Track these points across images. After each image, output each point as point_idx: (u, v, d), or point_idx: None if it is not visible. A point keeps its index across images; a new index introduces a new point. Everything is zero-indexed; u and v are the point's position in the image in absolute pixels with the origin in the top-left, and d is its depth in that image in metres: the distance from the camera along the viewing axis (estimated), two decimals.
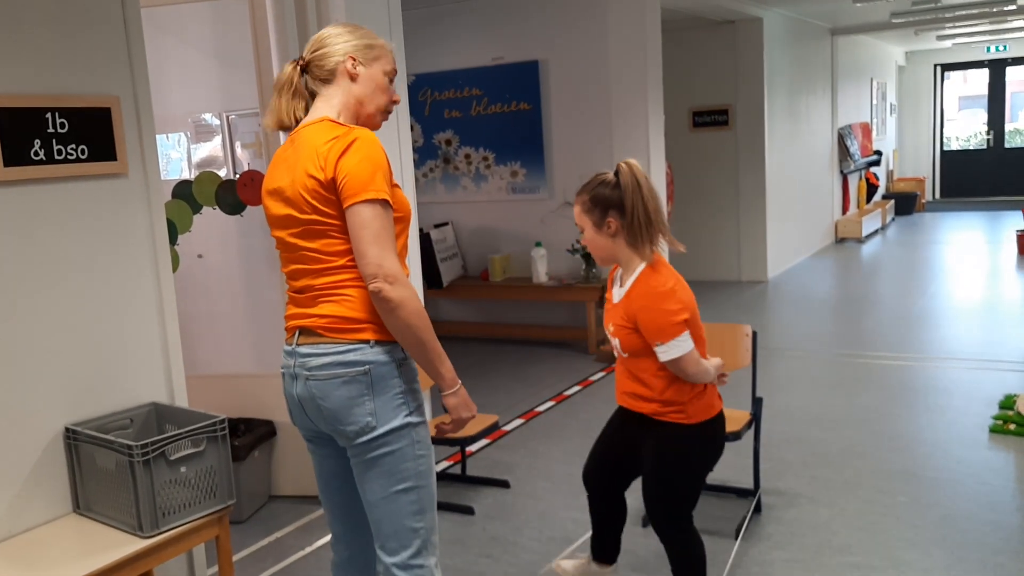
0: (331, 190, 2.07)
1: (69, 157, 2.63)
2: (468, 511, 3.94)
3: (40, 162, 2.56)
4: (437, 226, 7.35)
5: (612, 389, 3.15)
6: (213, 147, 4.21)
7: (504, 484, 4.23)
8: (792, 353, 6.41)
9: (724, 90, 9.27)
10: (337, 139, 2.08)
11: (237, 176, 4.07)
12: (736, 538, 3.51)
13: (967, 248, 10.90)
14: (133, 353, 2.87)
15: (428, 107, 7.54)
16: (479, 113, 7.33)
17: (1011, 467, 4.11)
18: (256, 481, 4.04)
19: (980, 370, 5.67)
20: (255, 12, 3.86)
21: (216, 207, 4.07)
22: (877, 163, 13.43)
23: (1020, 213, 11.13)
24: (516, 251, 7.28)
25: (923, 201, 15.19)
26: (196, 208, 4.09)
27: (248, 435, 3.94)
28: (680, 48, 9.15)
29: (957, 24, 11.16)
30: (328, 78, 2.21)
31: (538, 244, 6.94)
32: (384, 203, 2.06)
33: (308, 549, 3.67)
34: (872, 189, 13.80)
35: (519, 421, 5.22)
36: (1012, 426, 4.51)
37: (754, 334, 3.71)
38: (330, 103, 2.20)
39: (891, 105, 15.50)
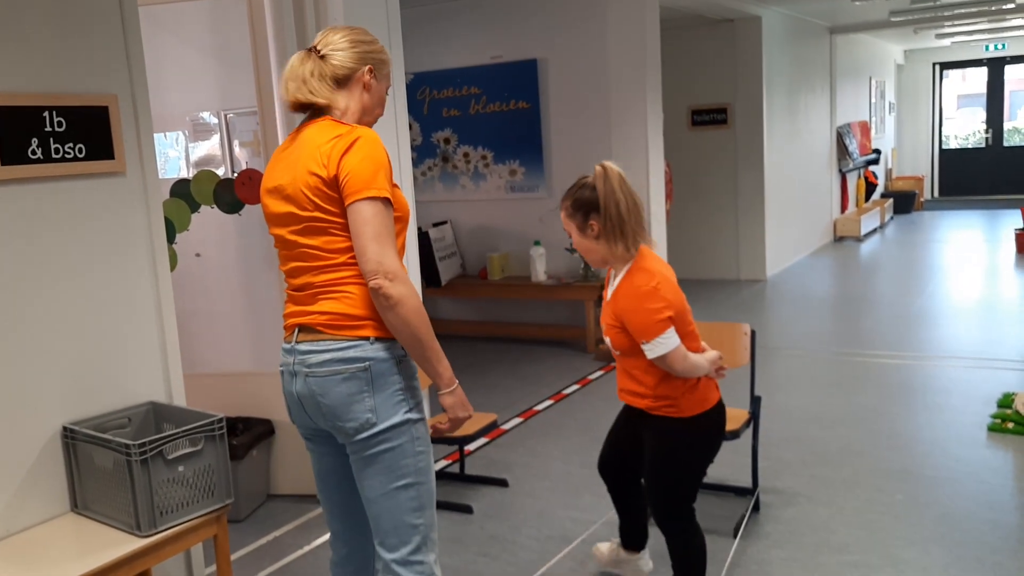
0: (333, 188, 2.09)
1: (67, 156, 2.63)
2: (466, 510, 3.94)
3: (38, 161, 2.56)
4: (436, 225, 7.35)
5: (611, 388, 3.17)
6: (211, 146, 4.20)
7: (502, 483, 4.23)
8: (791, 352, 6.41)
9: (723, 89, 9.27)
10: (340, 137, 2.11)
11: (235, 175, 4.06)
12: (735, 537, 3.51)
13: (966, 247, 10.91)
14: (131, 352, 2.87)
15: (427, 106, 7.53)
16: (478, 112, 7.32)
17: (1009, 466, 4.11)
18: (254, 480, 4.03)
19: (978, 369, 5.67)
20: (253, 11, 3.85)
21: (214, 206, 4.06)
22: (876, 162, 13.43)
23: (1019, 212, 11.13)
24: (515, 250, 7.27)
25: (922, 200, 15.20)
26: (194, 207, 4.09)
27: (246, 434, 3.94)
28: (679, 47, 9.14)
29: (956, 23, 11.16)
30: (343, 80, 2.22)
31: (537, 243, 6.93)
32: (385, 201, 2.08)
33: (306, 548, 3.67)
34: (871, 188, 13.80)
35: (517, 420, 5.22)
36: (1010, 425, 4.51)
37: (752, 333, 3.71)
38: (338, 105, 2.21)
39: (890, 104, 15.50)
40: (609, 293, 2.77)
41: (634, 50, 6.51)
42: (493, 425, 4.02)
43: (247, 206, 4.02)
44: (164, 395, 2.97)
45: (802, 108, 10.58)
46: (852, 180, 12.99)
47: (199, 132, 4.22)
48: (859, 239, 11.94)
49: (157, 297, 2.94)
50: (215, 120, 4.17)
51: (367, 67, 2.24)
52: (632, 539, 3.17)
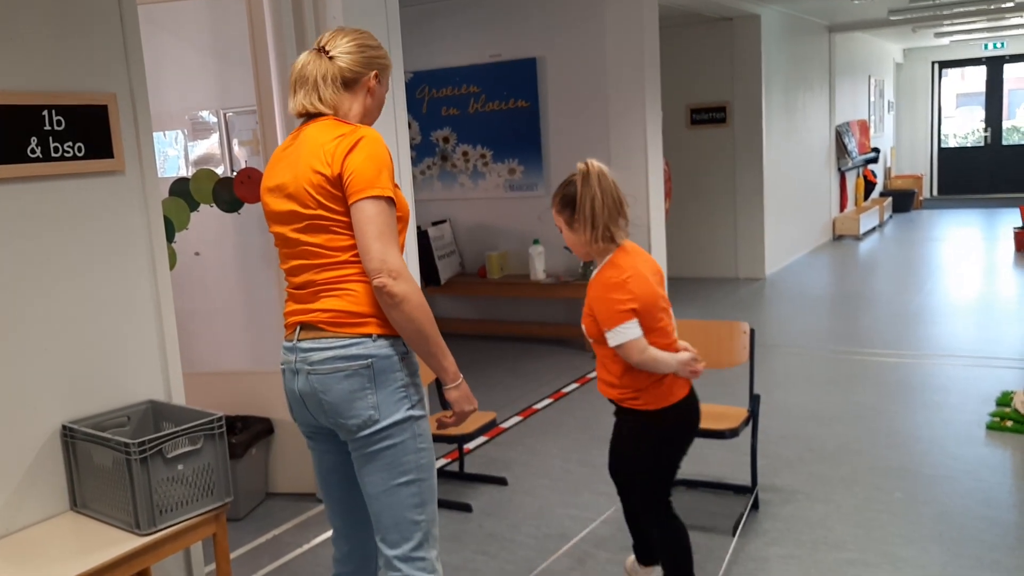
0: (337, 186, 2.11)
1: (66, 154, 2.63)
2: (465, 508, 3.94)
3: (37, 160, 2.56)
4: (435, 223, 7.35)
5: None
6: (210, 144, 4.20)
7: (501, 481, 4.23)
8: (789, 350, 6.42)
9: (722, 87, 9.27)
10: (344, 136, 2.13)
11: (234, 173, 4.07)
12: (733, 534, 3.52)
13: (964, 245, 10.92)
14: (130, 351, 2.87)
15: (426, 104, 7.53)
16: (477, 110, 7.32)
17: (1007, 464, 4.12)
18: (253, 479, 4.04)
19: (977, 367, 5.68)
20: (252, 9, 3.85)
21: (213, 205, 4.07)
22: (875, 160, 13.43)
23: (1017, 210, 11.14)
24: (514, 248, 7.28)
25: (921, 198, 15.20)
26: (193, 206, 4.09)
27: (245, 432, 3.94)
28: (678, 45, 9.14)
29: (955, 21, 11.16)
30: (350, 83, 2.24)
31: (536, 241, 6.94)
32: (389, 200, 2.11)
33: (305, 546, 3.67)
34: (870, 186, 13.81)
35: (517, 418, 5.22)
36: (1009, 423, 4.52)
37: (751, 331, 3.71)
38: (342, 107, 2.23)
39: (889, 102, 15.50)
40: None
41: (633, 48, 6.51)
42: (492, 423, 4.03)
43: (246, 205, 4.02)
44: (163, 394, 2.98)
45: (801, 107, 10.58)
46: (851, 179, 13.00)
47: (198, 131, 4.22)
48: (858, 238, 11.95)
49: (156, 296, 2.95)
50: (214, 119, 4.17)
51: (373, 72, 2.27)
52: (642, 551, 3.14)
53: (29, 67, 2.56)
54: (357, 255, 2.13)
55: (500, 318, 7.52)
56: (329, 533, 3.45)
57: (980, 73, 16.12)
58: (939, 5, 9.66)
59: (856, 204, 13.20)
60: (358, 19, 3.74)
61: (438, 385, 2.31)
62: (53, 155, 2.60)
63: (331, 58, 2.23)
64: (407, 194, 3.92)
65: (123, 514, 2.50)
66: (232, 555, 3.54)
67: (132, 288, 2.87)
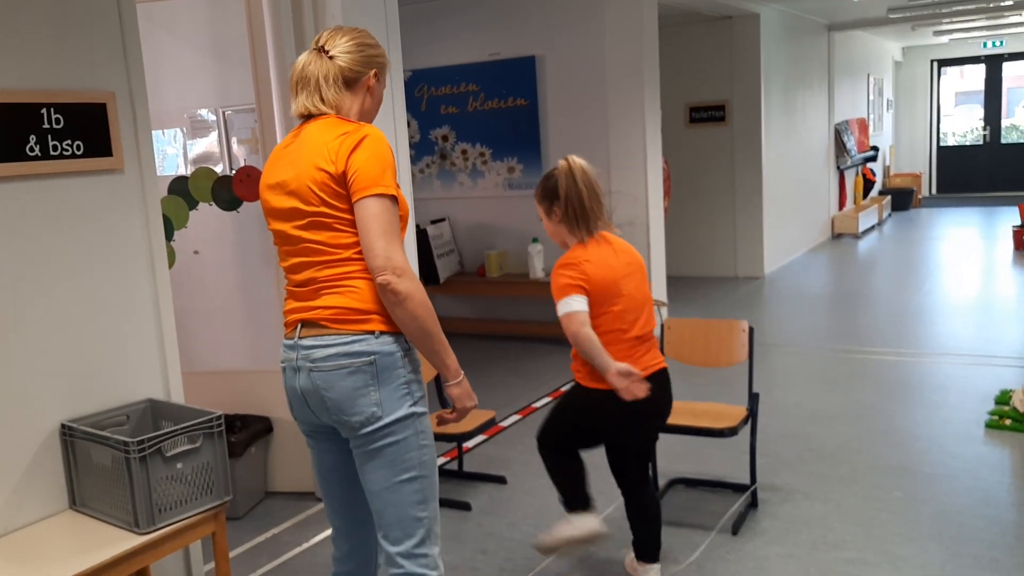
0: (341, 183, 2.12)
1: (64, 153, 2.63)
2: (465, 507, 3.95)
3: (35, 158, 2.55)
4: (434, 222, 7.35)
5: None
6: (209, 143, 4.20)
7: (500, 480, 4.23)
8: (788, 349, 6.42)
9: (721, 86, 9.27)
10: (348, 134, 2.14)
11: (233, 172, 4.06)
12: (733, 533, 3.52)
13: (963, 244, 10.92)
14: (129, 349, 2.87)
15: (424, 103, 7.53)
16: (476, 109, 7.32)
17: (1006, 462, 4.12)
18: (252, 477, 4.04)
19: (976, 366, 5.68)
20: (251, 7, 3.85)
21: (212, 203, 4.06)
22: (874, 159, 13.44)
23: (1016, 208, 11.13)
24: (513, 247, 7.28)
25: (919, 197, 15.21)
26: (192, 204, 4.09)
27: (244, 431, 3.94)
28: (677, 44, 9.14)
29: (954, 20, 11.16)
30: (351, 82, 2.25)
31: (535, 240, 6.94)
32: (392, 199, 2.12)
33: (304, 545, 3.67)
34: (868, 185, 13.81)
35: (516, 417, 5.22)
36: (1008, 421, 4.52)
37: (751, 330, 3.72)
38: (343, 106, 2.24)
39: (888, 101, 15.50)
40: None
41: (632, 47, 6.51)
42: (491, 422, 4.03)
43: (245, 203, 4.01)
44: (162, 392, 2.98)
45: (800, 105, 10.58)
46: (850, 177, 13.00)
47: (197, 129, 4.22)
48: (857, 236, 11.95)
49: (155, 295, 2.94)
50: (213, 117, 4.16)
51: (372, 71, 2.28)
52: (641, 548, 3.15)
53: (28, 65, 2.56)
54: (359, 252, 2.14)
55: (499, 317, 7.52)
56: (328, 532, 3.45)
57: (979, 71, 16.13)
58: (938, 3, 9.67)
59: (855, 202, 13.20)
60: (357, 17, 3.74)
61: (437, 383, 2.31)
62: (52, 153, 2.59)
63: (331, 58, 2.23)
64: (406, 192, 3.92)
65: (122, 513, 2.50)
66: (231, 554, 3.54)
67: (131, 287, 2.87)
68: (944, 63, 16.37)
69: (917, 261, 10.00)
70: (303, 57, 2.26)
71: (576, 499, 3.07)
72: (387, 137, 2.22)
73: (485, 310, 7.59)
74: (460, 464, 4.35)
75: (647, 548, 3.13)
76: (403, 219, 2.23)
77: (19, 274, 2.56)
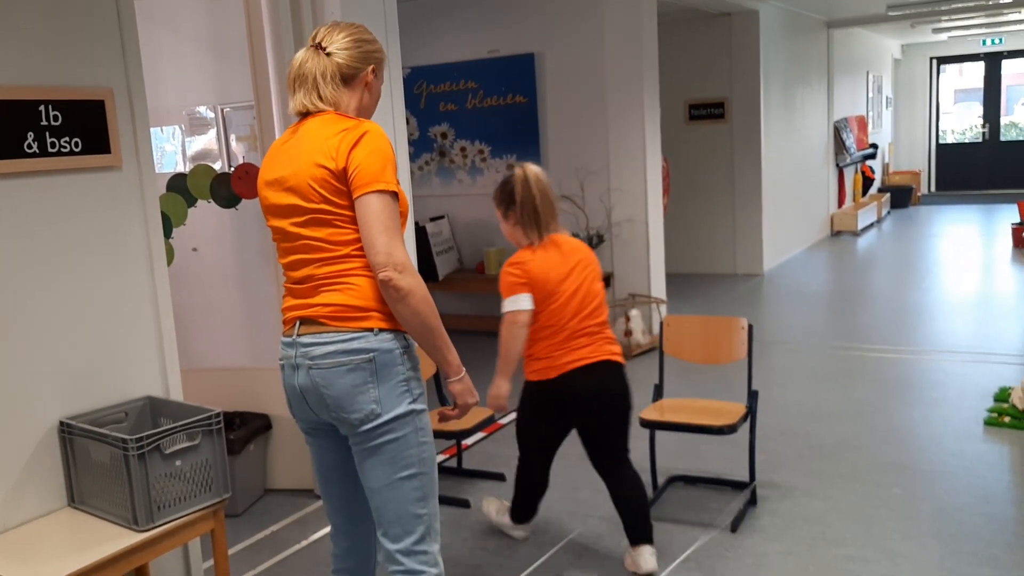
0: (342, 180, 2.11)
1: (63, 150, 2.62)
2: (464, 504, 3.94)
3: (33, 155, 2.55)
4: (433, 219, 7.34)
5: None
6: (208, 140, 4.20)
7: (499, 477, 4.23)
8: (787, 346, 6.42)
9: (720, 83, 9.27)
10: (348, 131, 2.13)
11: (232, 169, 4.06)
12: (732, 530, 3.52)
13: (962, 241, 10.92)
14: (128, 347, 2.86)
15: (424, 100, 7.52)
16: (475, 106, 7.31)
17: (1005, 460, 4.12)
18: (251, 475, 4.04)
19: (975, 363, 5.68)
20: (250, 5, 3.84)
21: (211, 200, 4.06)
22: (873, 156, 13.43)
23: (1015, 206, 11.14)
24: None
25: (919, 194, 15.21)
26: (191, 201, 4.08)
27: (243, 429, 3.94)
28: (676, 41, 9.13)
29: (953, 17, 11.16)
30: (349, 79, 2.25)
31: None
32: (393, 195, 2.12)
33: (303, 543, 3.67)
34: (868, 182, 13.81)
35: (514, 415, 5.21)
36: (1007, 419, 4.53)
37: (750, 327, 3.71)
38: (341, 103, 2.23)
39: (887, 98, 15.50)
40: None
41: (631, 44, 6.50)
42: (490, 420, 4.03)
43: (244, 200, 4.01)
44: (161, 390, 2.97)
45: (799, 103, 10.57)
46: (849, 175, 13.00)
47: (195, 126, 4.21)
48: (856, 233, 11.96)
49: (154, 292, 2.94)
50: (211, 114, 4.16)
51: (370, 67, 2.28)
52: (627, 533, 3.24)
53: (26, 62, 2.55)
54: (359, 249, 2.13)
55: (498, 314, 7.48)
56: (327, 529, 3.45)
57: (978, 69, 16.13)
58: (937, 0, 9.66)
59: (854, 200, 13.20)
60: (356, 14, 3.73)
61: (437, 380, 2.31)
62: (50, 150, 2.59)
63: (328, 54, 2.22)
64: (405, 190, 3.91)
65: (121, 510, 2.50)
66: (230, 551, 3.54)
67: (130, 284, 2.87)
68: (943, 60, 16.37)
69: (916, 258, 10.00)
70: (300, 54, 2.25)
71: (523, 511, 3.44)
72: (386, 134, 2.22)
73: (484, 307, 7.59)
74: (459, 461, 4.35)
75: (635, 531, 3.21)
76: (403, 215, 2.23)
77: (17, 271, 2.56)
